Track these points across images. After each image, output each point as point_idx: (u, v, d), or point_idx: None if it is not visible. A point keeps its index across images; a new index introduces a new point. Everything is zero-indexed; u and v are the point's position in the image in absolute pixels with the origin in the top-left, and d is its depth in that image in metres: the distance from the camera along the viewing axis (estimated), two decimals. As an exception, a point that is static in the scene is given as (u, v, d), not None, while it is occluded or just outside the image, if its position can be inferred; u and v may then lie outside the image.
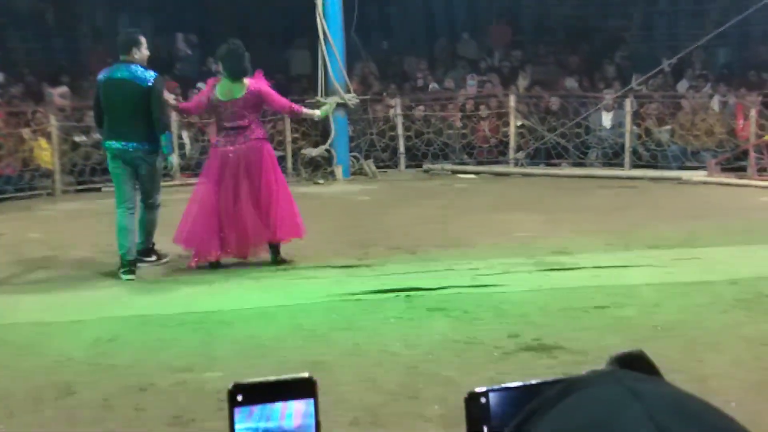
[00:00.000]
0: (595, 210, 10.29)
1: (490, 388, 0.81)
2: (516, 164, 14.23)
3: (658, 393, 0.65)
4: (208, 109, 7.81)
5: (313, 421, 0.83)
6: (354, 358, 5.28)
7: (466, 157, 14.64)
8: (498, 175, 13.81)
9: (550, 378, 0.78)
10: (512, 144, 14.25)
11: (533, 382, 0.80)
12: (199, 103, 7.88)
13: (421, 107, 14.92)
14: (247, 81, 7.52)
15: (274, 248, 7.70)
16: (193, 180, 13.53)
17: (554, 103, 14.35)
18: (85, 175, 13.13)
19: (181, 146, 13.92)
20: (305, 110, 8.56)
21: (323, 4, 12.95)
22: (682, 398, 0.66)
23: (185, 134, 14.11)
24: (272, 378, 0.84)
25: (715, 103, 14.10)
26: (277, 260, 7.67)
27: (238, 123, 7.50)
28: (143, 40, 7.63)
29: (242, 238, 7.55)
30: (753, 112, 12.90)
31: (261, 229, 7.53)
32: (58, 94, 14.55)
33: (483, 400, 0.80)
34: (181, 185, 13.28)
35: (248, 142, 7.50)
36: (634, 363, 0.74)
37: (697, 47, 14.75)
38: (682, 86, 15.27)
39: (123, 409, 4.58)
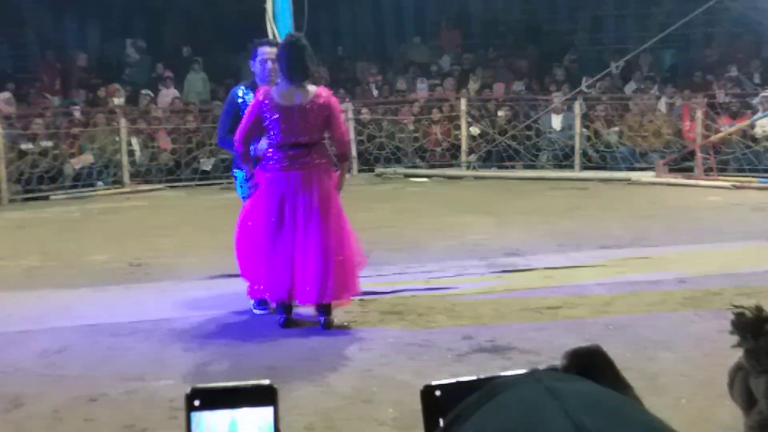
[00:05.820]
0: (546, 211, 10.37)
1: (444, 381, 0.84)
2: (468, 167, 14.30)
3: (576, 390, 0.66)
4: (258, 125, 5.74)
5: (271, 431, 0.81)
6: (308, 362, 5.26)
7: (418, 160, 14.69)
8: (450, 178, 13.88)
9: (503, 373, 0.81)
10: (464, 147, 14.32)
11: (485, 376, 0.83)
12: (246, 128, 5.70)
13: (368, 111, 14.93)
14: (312, 87, 5.86)
15: (326, 308, 5.93)
16: (143, 187, 13.49)
17: (503, 112, 14.49)
18: (33, 184, 12.92)
19: (131, 153, 13.77)
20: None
21: (273, 9, 12.89)
22: (600, 395, 0.67)
23: (134, 140, 13.96)
24: (231, 384, 0.82)
25: (662, 105, 14.33)
26: (329, 323, 5.91)
27: (299, 140, 5.72)
28: (257, 50, 6.39)
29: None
30: (699, 114, 13.13)
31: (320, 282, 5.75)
32: (3, 99, 14.27)
33: (438, 392, 0.83)
34: (131, 192, 13.18)
35: (310, 167, 5.75)
36: (591, 358, 0.75)
37: (643, 50, 14.97)
38: (630, 88, 15.48)
39: (73, 420, 4.51)
